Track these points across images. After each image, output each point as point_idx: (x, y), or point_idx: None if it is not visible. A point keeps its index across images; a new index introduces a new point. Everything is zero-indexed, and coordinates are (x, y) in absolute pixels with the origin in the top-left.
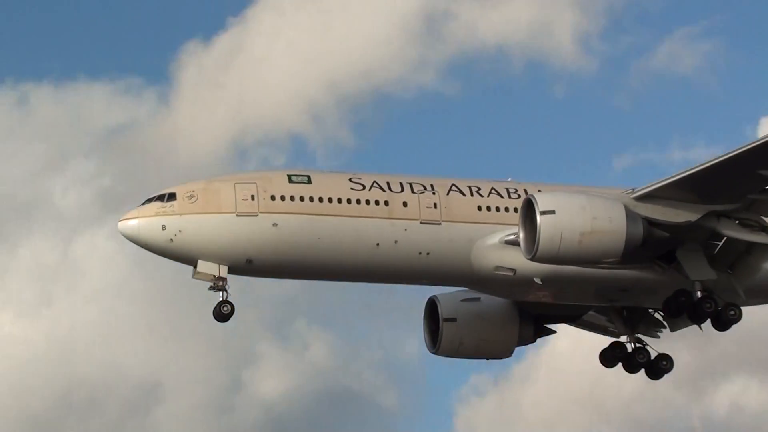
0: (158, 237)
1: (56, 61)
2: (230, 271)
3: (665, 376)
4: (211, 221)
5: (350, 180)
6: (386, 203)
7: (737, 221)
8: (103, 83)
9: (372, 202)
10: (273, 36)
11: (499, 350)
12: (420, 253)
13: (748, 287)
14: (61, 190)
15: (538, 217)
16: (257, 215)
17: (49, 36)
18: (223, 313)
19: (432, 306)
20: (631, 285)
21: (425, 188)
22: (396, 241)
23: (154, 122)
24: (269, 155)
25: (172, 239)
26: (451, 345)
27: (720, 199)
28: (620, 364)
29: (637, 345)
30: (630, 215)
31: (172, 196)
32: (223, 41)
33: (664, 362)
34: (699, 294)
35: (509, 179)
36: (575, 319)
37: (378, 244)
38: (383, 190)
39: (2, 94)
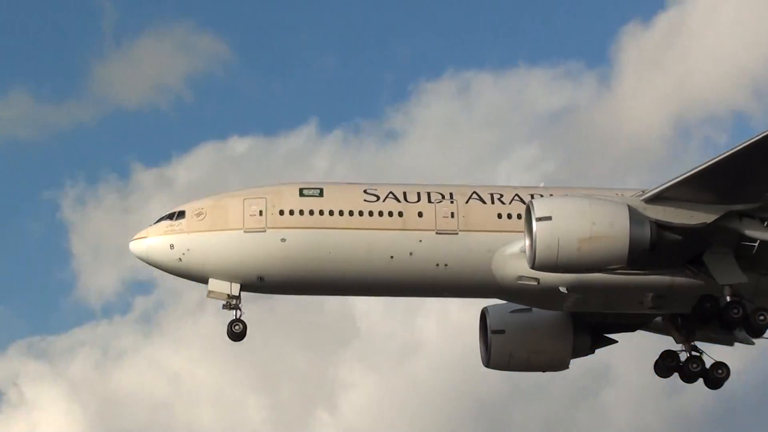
0: (167, 256)
1: (495, 50)
2: (243, 288)
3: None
4: (219, 238)
5: (365, 191)
6: (400, 214)
7: (764, 221)
8: (543, 68)
9: (385, 214)
10: (713, 14)
11: (553, 362)
12: (438, 265)
13: None
14: (505, 176)
15: (534, 224)
16: (265, 231)
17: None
18: (234, 332)
19: (483, 318)
20: (665, 291)
21: (443, 197)
22: (411, 253)
23: (595, 105)
24: (711, 134)
25: (180, 258)
26: (501, 358)
27: (738, 198)
28: (676, 374)
29: (693, 353)
30: (636, 218)
31: (181, 214)
32: (663, 21)
33: (720, 371)
34: (728, 299)
35: (541, 185)
36: (635, 328)
37: (392, 257)
38: (398, 201)
39: (445, 83)
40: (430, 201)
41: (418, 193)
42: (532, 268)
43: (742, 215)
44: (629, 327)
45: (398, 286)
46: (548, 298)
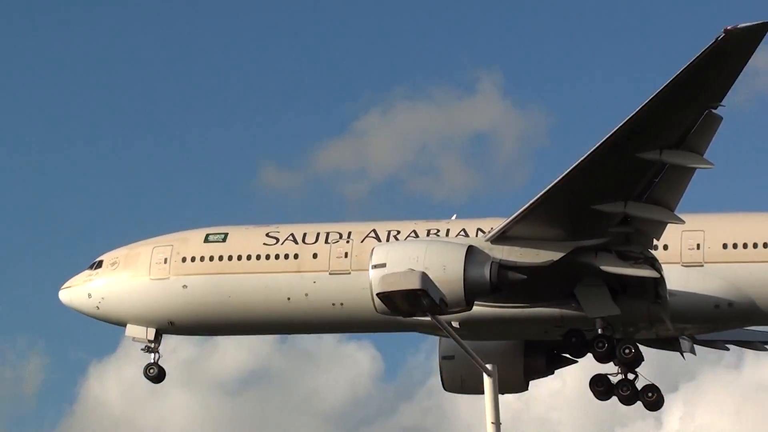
0: (87, 305)
1: None
2: (162, 331)
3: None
4: (129, 286)
5: (266, 234)
6: (296, 256)
7: (618, 255)
8: None
9: (282, 256)
10: None
11: (508, 385)
12: (333, 304)
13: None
14: None
15: (369, 271)
16: (168, 278)
17: None
18: (149, 375)
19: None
20: (557, 322)
21: (340, 237)
22: (307, 294)
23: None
24: None
25: (98, 306)
26: (454, 382)
27: (581, 234)
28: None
29: (627, 376)
30: (475, 260)
31: (99, 264)
32: None
33: (650, 394)
34: (599, 331)
35: (453, 217)
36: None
37: (289, 299)
38: (296, 243)
39: None
40: (326, 242)
41: (318, 234)
42: (378, 312)
43: (597, 250)
44: (580, 348)
45: (299, 325)
46: (456, 329)
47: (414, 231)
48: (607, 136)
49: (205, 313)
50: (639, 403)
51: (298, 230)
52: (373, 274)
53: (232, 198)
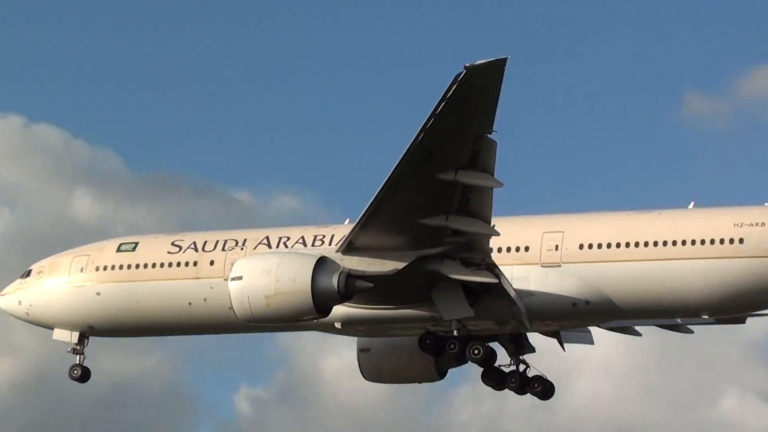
0: (18, 311)
1: None
2: (88, 333)
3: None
4: (52, 294)
5: (172, 243)
6: (195, 263)
7: (462, 262)
8: None
9: (183, 264)
10: None
11: (423, 375)
12: (230, 308)
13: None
14: None
15: (229, 283)
16: (84, 285)
17: None
18: (73, 376)
19: None
20: (431, 321)
21: (236, 244)
22: (205, 299)
23: None
24: None
25: (27, 312)
26: (371, 372)
27: (422, 244)
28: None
29: (518, 367)
30: (325, 271)
31: (28, 273)
32: None
33: (535, 385)
34: (455, 332)
35: (346, 222)
36: (491, 339)
37: (190, 303)
38: (196, 251)
39: None
40: (223, 249)
41: (216, 242)
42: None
43: (443, 257)
44: (486, 338)
45: (202, 327)
46: (340, 330)
47: (302, 237)
48: (399, 161)
49: (118, 317)
50: None
51: (200, 238)
52: (232, 286)
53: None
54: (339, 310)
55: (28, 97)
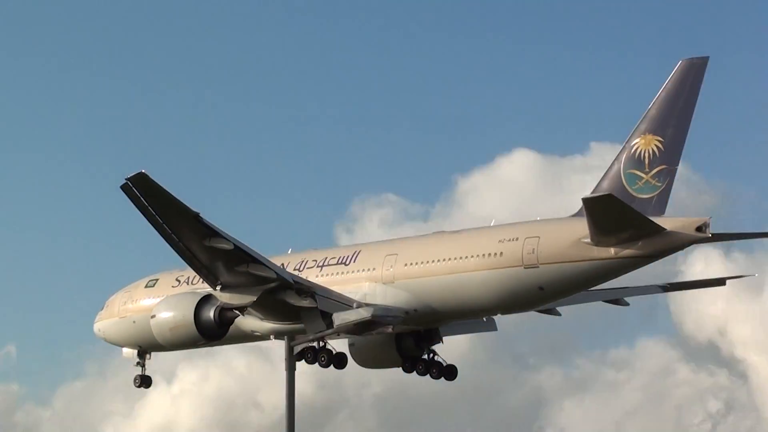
0: (100, 335)
1: None
2: (140, 352)
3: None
4: (110, 323)
5: (176, 279)
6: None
7: (296, 291)
8: None
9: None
10: None
11: (391, 362)
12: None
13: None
14: None
15: (151, 320)
16: (126, 316)
17: None
18: (136, 384)
19: None
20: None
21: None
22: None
23: None
24: None
25: (104, 337)
26: (359, 360)
27: (262, 281)
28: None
29: (429, 357)
30: (206, 306)
31: (103, 305)
32: None
33: (434, 370)
34: (316, 345)
35: (289, 251)
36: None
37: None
38: (188, 284)
39: None
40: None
41: (188, 278)
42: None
43: (284, 288)
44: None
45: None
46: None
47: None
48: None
49: (149, 339)
50: None
51: (188, 275)
52: (151, 322)
53: None
54: (267, 326)
55: None
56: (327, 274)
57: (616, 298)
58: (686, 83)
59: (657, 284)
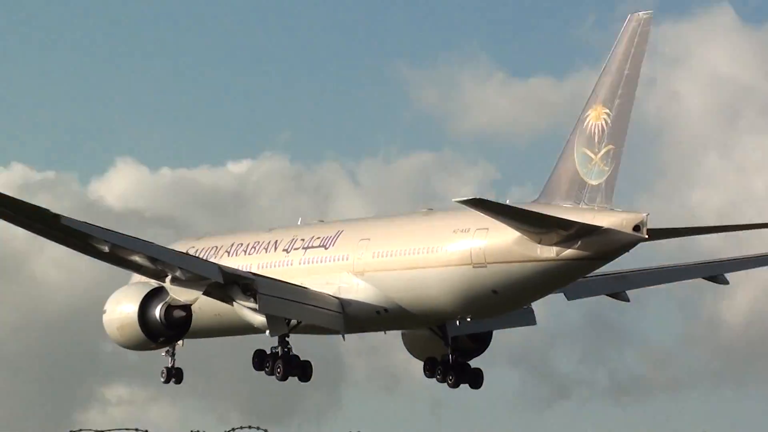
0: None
1: None
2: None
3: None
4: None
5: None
6: None
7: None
8: None
9: None
10: None
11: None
12: (216, 315)
13: None
14: None
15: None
16: None
17: None
18: (162, 379)
19: None
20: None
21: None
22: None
23: None
24: None
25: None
26: (414, 350)
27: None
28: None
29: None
30: (151, 304)
31: None
32: None
33: (450, 378)
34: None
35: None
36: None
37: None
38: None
39: None
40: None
41: (215, 248)
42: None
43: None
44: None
45: (226, 330)
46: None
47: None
48: None
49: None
50: None
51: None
52: (103, 318)
53: None
54: (260, 319)
55: None
56: (309, 261)
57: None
58: (631, 44)
59: None
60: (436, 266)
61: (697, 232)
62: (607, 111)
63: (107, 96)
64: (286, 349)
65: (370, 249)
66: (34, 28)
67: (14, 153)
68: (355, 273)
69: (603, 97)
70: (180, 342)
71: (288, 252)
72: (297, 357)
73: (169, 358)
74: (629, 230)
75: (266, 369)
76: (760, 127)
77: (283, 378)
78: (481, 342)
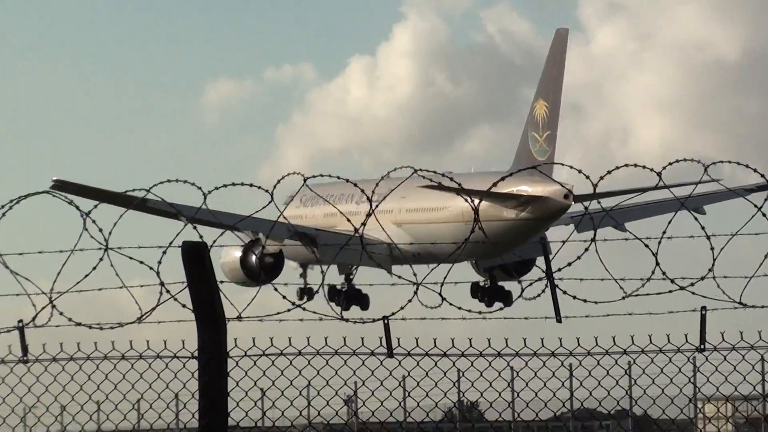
0: None
1: None
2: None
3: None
4: None
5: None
6: None
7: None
8: None
9: None
10: None
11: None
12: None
13: None
14: None
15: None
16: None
17: None
18: (298, 298)
19: None
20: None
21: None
22: None
23: None
24: None
25: None
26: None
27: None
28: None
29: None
30: (249, 252)
31: None
32: None
33: (486, 298)
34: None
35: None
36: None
37: None
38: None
39: None
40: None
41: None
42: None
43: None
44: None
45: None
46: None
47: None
48: None
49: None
50: None
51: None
52: (220, 262)
53: None
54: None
55: None
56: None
57: None
58: (556, 52)
59: None
60: (443, 222)
61: (615, 194)
62: (545, 104)
63: None
64: (349, 285)
65: (406, 205)
66: None
67: None
68: (395, 223)
69: (543, 93)
70: (311, 266)
71: (358, 204)
72: (359, 291)
73: (302, 280)
74: (561, 198)
75: (335, 300)
76: None
77: (347, 308)
78: (525, 266)
